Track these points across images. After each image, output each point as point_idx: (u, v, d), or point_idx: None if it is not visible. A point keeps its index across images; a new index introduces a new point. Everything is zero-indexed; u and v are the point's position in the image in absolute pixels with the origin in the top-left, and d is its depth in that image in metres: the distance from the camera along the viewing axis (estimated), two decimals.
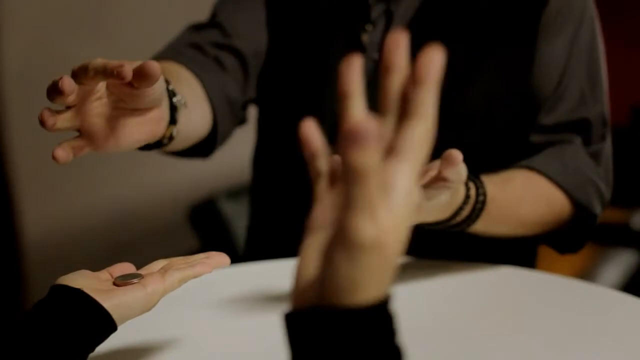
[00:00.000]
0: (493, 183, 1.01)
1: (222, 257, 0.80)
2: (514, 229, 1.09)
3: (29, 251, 1.93)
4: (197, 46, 1.20)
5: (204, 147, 1.16)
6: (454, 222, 0.97)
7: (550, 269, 1.15)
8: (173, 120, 0.93)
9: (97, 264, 0.81)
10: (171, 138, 0.95)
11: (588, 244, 1.17)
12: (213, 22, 1.24)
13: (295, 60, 1.23)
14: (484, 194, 0.98)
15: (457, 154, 0.87)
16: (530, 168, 1.11)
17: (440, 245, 1.09)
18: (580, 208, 1.12)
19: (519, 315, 1.00)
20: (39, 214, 1.94)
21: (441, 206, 0.93)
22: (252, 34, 1.23)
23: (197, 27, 1.24)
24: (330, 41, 1.20)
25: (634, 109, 3.13)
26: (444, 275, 1.07)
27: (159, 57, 1.15)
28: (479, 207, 0.98)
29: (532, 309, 1.01)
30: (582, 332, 0.94)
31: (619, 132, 3.42)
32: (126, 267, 0.78)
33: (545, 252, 1.26)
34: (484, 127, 1.16)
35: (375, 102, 1.00)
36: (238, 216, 1.68)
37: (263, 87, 1.25)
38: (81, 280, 0.72)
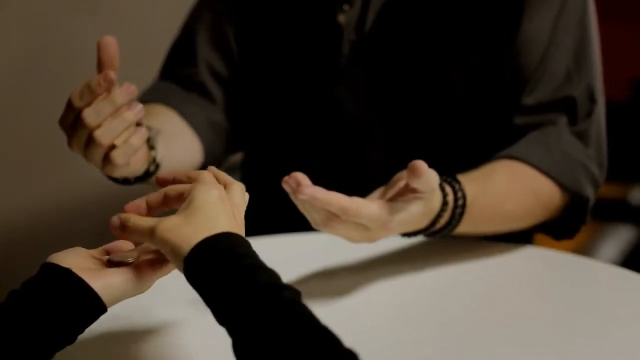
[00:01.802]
0: (472, 182, 0.97)
1: None
2: (500, 227, 1.04)
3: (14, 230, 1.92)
4: (179, 81, 1.23)
5: None
6: (433, 229, 0.94)
7: (548, 244, 1.14)
8: (151, 146, 0.98)
9: (86, 246, 0.79)
10: (157, 165, 1.01)
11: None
12: (189, 53, 1.24)
13: (273, 43, 1.21)
14: (464, 197, 0.94)
15: (421, 165, 0.84)
16: (513, 157, 1.06)
17: None
18: (570, 193, 1.08)
19: (516, 290, 0.99)
20: (19, 201, 1.93)
21: (415, 217, 0.89)
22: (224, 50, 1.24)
23: (174, 62, 1.26)
24: (306, 25, 1.17)
25: (633, 83, 3.12)
26: (444, 254, 1.06)
27: (142, 100, 1.16)
28: (459, 211, 0.94)
29: (530, 284, 1.01)
30: (580, 307, 0.93)
31: (617, 107, 3.42)
32: (123, 245, 0.76)
33: None
34: (472, 111, 1.14)
35: (355, 82, 0.99)
36: None
37: (246, 69, 1.23)
38: (72, 258, 0.70)
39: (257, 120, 1.26)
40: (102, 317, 0.70)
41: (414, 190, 0.87)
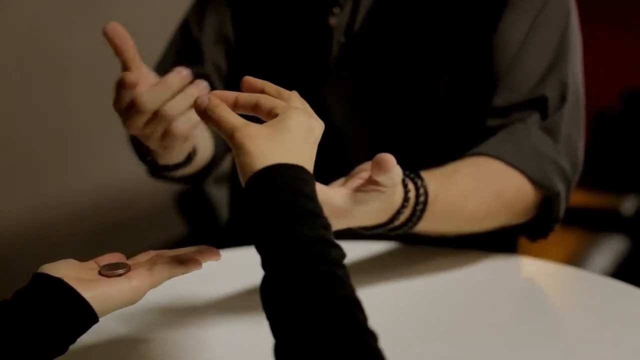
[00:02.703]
0: (435, 179, 0.95)
1: (213, 253, 0.77)
2: (462, 226, 1.02)
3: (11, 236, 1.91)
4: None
5: (200, 174, 1.19)
6: (392, 225, 0.91)
7: (539, 254, 1.14)
8: None
9: (84, 249, 0.79)
10: (195, 153, 1.03)
11: (577, 230, 1.15)
12: (195, 50, 1.25)
13: (265, 46, 1.22)
14: (425, 194, 0.92)
15: (389, 159, 0.81)
16: (480, 154, 1.05)
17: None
18: (540, 187, 1.05)
19: (507, 301, 0.99)
20: (17, 203, 1.93)
21: (375, 211, 0.87)
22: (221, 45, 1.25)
23: (179, 59, 1.24)
24: (299, 25, 1.19)
25: (625, 94, 3.13)
26: (429, 262, 1.06)
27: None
28: (420, 208, 0.92)
29: (521, 295, 1.01)
30: (571, 318, 0.93)
31: (609, 118, 3.43)
32: (115, 257, 0.76)
33: None
34: (455, 113, 1.14)
35: (341, 83, 0.98)
36: (225, 201, 1.67)
37: (237, 72, 1.24)
38: (64, 269, 0.70)
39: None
40: (92, 328, 0.70)
41: (376, 183, 0.84)
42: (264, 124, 0.70)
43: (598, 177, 2.72)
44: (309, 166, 0.69)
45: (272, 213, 0.64)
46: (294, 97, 0.73)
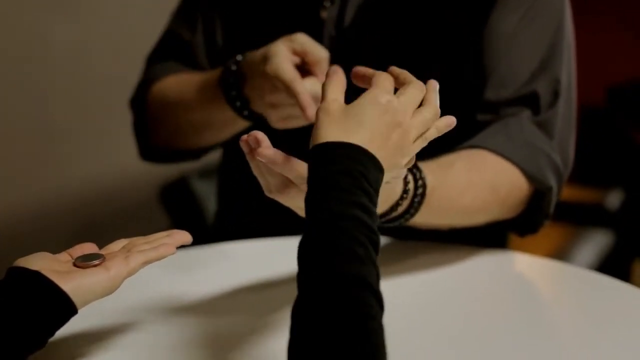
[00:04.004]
0: (432, 171, 0.95)
1: (184, 235, 0.79)
2: (457, 219, 1.03)
3: None
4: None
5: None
6: (389, 217, 0.91)
7: (524, 249, 1.14)
8: None
9: (66, 244, 0.79)
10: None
11: (563, 224, 1.15)
12: (186, 51, 1.28)
13: (255, 40, 1.21)
14: (424, 186, 0.92)
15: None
16: (474, 147, 1.05)
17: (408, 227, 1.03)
18: (532, 180, 1.05)
19: (494, 296, 0.99)
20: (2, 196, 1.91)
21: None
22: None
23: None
24: (290, 18, 1.19)
25: (609, 90, 3.14)
26: (418, 258, 1.06)
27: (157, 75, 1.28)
28: (417, 200, 0.92)
29: (506, 289, 1.01)
30: (559, 312, 0.93)
31: (594, 113, 3.44)
32: (87, 247, 0.76)
33: None
34: (448, 107, 1.14)
35: None
36: (210, 195, 1.66)
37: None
38: (40, 262, 0.70)
39: None
40: (71, 320, 0.69)
41: None
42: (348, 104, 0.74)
43: (583, 171, 2.73)
44: (378, 145, 0.70)
45: (318, 197, 0.67)
46: (380, 78, 0.76)
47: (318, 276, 0.61)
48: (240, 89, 1.06)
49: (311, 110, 0.94)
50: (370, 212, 0.66)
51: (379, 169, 0.69)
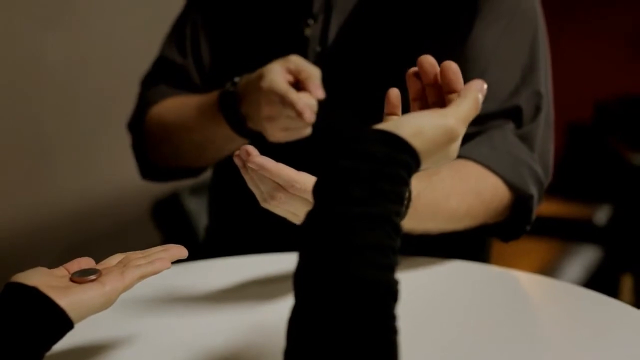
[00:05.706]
0: (418, 177, 0.92)
1: (179, 250, 0.80)
2: (443, 224, 1.05)
3: None
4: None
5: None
6: None
7: (512, 264, 1.15)
8: None
9: (58, 259, 0.79)
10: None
11: (550, 240, 1.17)
12: (181, 73, 1.32)
13: (242, 59, 1.25)
14: (409, 191, 0.94)
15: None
16: (459, 157, 1.05)
17: None
18: (514, 189, 1.10)
19: (479, 311, 1.00)
20: None
21: None
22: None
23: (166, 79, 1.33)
24: (275, 36, 1.22)
25: (597, 106, 3.17)
26: (402, 271, 1.07)
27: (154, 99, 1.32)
28: (404, 204, 0.94)
29: (494, 305, 1.01)
30: (544, 327, 0.94)
31: (582, 129, 3.45)
32: (84, 262, 0.76)
33: (506, 247, 1.26)
34: None
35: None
36: (201, 211, 1.67)
37: (216, 78, 1.26)
38: (36, 277, 0.70)
39: None
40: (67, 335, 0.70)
41: None
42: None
43: (572, 187, 2.74)
44: (424, 151, 0.73)
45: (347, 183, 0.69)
46: (471, 91, 0.79)
47: (340, 280, 0.58)
48: (238, 108, 1.10)
49: (308, 114, 0.99)
50: (388, 210, 0.67)
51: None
